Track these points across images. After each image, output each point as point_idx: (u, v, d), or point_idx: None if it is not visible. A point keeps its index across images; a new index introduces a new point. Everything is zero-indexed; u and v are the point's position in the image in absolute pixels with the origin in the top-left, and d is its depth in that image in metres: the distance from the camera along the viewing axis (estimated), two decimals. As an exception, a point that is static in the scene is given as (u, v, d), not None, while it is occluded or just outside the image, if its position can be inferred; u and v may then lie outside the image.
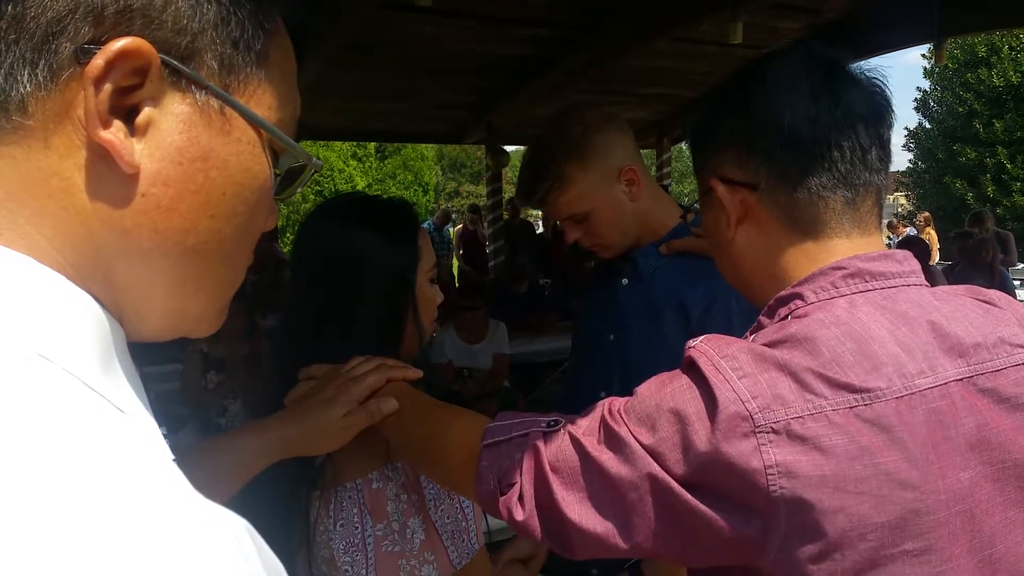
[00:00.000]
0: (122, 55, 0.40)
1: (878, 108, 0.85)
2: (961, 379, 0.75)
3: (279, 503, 1.10)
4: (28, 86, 0.40)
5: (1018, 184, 18.90)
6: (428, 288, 1.20)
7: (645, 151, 7.57)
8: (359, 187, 19.70)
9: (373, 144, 21.50)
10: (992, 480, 0.74)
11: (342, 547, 1.08)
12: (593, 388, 1.60)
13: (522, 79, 5.75)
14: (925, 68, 21.03)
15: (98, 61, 0.40)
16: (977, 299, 0.84)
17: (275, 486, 1.06)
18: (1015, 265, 8.81)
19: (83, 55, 0.40)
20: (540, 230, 10.53)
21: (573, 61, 5.17)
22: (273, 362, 1.25)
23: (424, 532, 1.12)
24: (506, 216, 8.92)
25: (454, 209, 23.98)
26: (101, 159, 0.42)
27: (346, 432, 1.02)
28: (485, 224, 8.83)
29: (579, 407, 0.90)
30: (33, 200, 0.41)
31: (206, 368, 3.57)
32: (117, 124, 0.41)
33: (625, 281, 1.61)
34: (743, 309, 1.38)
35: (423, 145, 22.49)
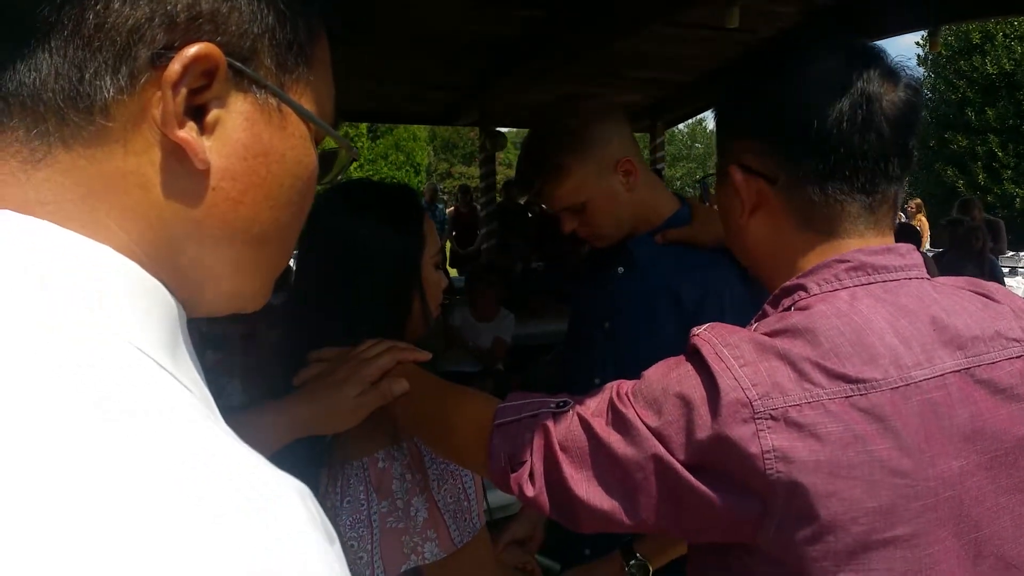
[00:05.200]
0: (196, 59, 0.43)
1: (907, 114, 0.84)
2: (958, 371, 0.78)
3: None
4: (111, 91, 0.43)
5: (1008, 172, 19.02)
6: (433, 273, 1.23)
7: (638, 135, 7.55)
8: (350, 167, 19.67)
9: (365, 124, 21.40)
10: (985, 468, 0.77)
11: (348, 523, 1.12)
12: (589, 375, 1.62)
13: (516, 60, 5.70)
14: (919, 55, 20.99)
15: (176, 66, 0.43)
16: (976, 292, 0.86)
17: (285, 463, 1.09)
18: (1004, 253, 8.89)
19: (158, 59, 0.43)
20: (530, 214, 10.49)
21: (568, 43, 5.13)
22: (280, 345, 1.28)
23: (427, 510, 1.15)
24: (499, 198, 8.92)
25: (444, 190, 23.87)
26: (174, 157, 0.45)
27: (358, 412, 1.06)
28: (479, 206, 8.81)
29: (574, 393, 0.94)
30: (112, 196, 0.44)
31: (204, 347, 3.60)
32: (190, 124, 0.44)
33: (620, 270, 1.62)
34: (735, 302, 1.41)
35: (415, 126, 22.36)
